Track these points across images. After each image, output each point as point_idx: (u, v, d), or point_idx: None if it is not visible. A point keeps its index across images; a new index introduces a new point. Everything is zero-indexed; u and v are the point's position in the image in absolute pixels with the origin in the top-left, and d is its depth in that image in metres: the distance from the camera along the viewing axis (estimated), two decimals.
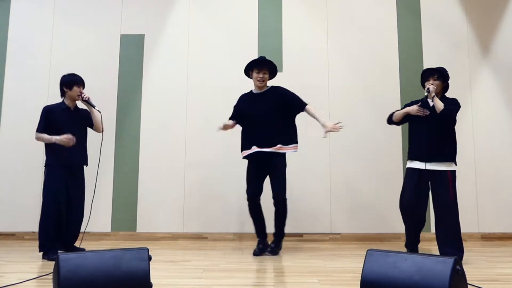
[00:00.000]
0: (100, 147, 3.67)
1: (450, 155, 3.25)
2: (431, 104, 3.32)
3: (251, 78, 3.79)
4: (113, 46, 4.76)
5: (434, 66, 3.44)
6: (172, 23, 4.80)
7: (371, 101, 4.64)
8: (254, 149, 3.55)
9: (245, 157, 3.67)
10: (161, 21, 4.80)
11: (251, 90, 3.84)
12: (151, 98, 4.69)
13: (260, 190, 3.61)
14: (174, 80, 4.72)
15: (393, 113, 3.48)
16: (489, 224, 4.47)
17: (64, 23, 4.81)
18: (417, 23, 4.76)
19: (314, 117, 3.58)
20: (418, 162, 3.28)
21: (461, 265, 1.87)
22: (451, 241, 3.16)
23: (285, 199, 3.58)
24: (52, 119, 3.41)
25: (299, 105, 3.66)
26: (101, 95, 4.64)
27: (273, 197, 3.57)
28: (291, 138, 3.63)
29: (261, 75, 3.67)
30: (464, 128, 4.60)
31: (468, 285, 2.22)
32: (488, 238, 4.43)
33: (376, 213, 4.48)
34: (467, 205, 4.49)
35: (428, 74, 3.38)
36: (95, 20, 4.81)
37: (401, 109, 3.49)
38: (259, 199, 3.62)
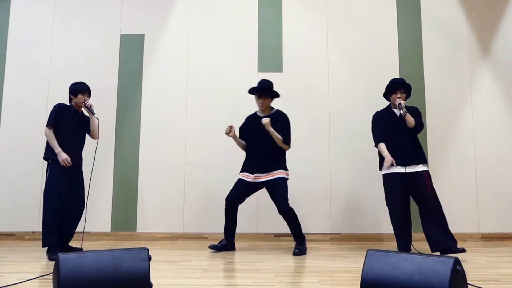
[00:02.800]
0: (95, 151, 3.68)
1: (423, 157, 3.51)
2: (398, 113, 3.57)
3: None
4: (113, 46, 4.76)
5: (400, 79, 3.61)
6: (172, 23, 4.80)
7: (371, 101, 4.64)
8: (255, 177, 3.69)
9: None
10: (161, 21, 4.80)
11: (256, 112, 3.91)
12: (151, 98, 4.69)
13: (241, 199, 3.71)
14: (174, 80, 4.72)
15: (378, 142, 3.62)
16: (489, 224, 4.47)
17: (64, 23, 4.81)
18: (417, 23, 4.76)
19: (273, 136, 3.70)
20: (398, 167, 3.50)
21: (461, 265, 1.87)
22: (441, 232, 3.31)
23: (290, 208, 3.59)
24: (64, 118, 3.52)
25: (284, 141, 3.73)
26: (101, 95, 4.65)
27: (278, 210, 3.61)
28: (285, 164, 3.77)
29: (261, 101, 3.78)
30: (464, 128, 4.60)
31: (468, 285, 2.22)
32: (488, 238, 4.43)
33: (376, 213, 4.49)
34: (467, 205, 4.50)
35: (395, 87, 3.57)
36: (95, 20, 4.81)
37: (374, 121, 3.69)
38: (237, 206, 3.73)
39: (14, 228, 4.49)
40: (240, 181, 3.76)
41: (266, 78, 3.87)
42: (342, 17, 4.79)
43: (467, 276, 1.99)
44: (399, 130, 3.54)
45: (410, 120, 3.45)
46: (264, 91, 3.75)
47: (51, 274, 2.68)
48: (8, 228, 4.49)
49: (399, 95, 3.53)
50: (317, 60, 4.72)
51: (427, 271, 1.84)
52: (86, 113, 3.75)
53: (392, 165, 3.46)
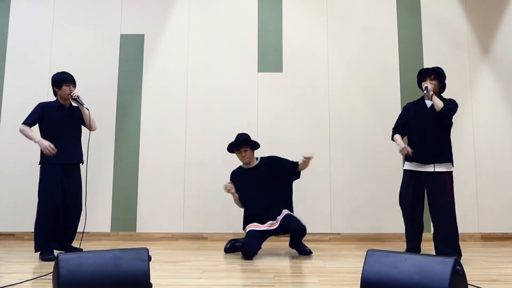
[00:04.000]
0: (87, 145, 3.63)
1: (447, 157, 3.26)
2: (428, 104, 3.34)
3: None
4: (113, 46, 4.76)
5: (432, 66, 3.46)
6: (172, 23, 4.80)
7: (371, 101, 4.64)
8: (269, 225, 3.54)
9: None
10: (161, 21, 4.80)
11: (241, 166, 3.79)
12: (151, 98, 4.69)
13: (260, 247, 3.48)
14: (174, 80, 4.72)
15: (394, 133, 3.52)
16: (489, 224, 4.47)
17: (64, 23, 4.80)
18: (417, 23, 4.76)
19: (305, 165, 3.67)
20: (416, 164, 3.33)
21: (461, 265, 1.87)
22: (447, 242, 3.18)
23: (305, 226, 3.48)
24: (46, 117, 3.40)
25: (292, 165, 3.69)
26: (101, 95, 4.64)
27: (296, 231, 3.44)
28: (290, 205, 3.73)
29: (242, 154, 3.68)
30: (464, 128, 4.60)
31: (468, 285, 2.22)
32: (488, 238, 4.43)
33: (376, 213, 4.48)
34: (467, 205, 4.49)
35: (425, 74, 3.38)
36: (95, 20, 4.80)
37: (401, 112, 3.61)
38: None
39: (14, 228, 4.49)
40: (253, 232, 3.49)
41: (241, 132, 3.81)
42: (342, 17, 4.79)
43: (467, 276, 1.99)
44: (424, 123, 3.31)
45: (438, 102, 3.18)
46: (240, 143, 3.64)
47: (51, 274, 2.68)
48: (8, 228, 4.49)
49: (428, 82, 3.32)
50: (317, 60, 4.72)
51: (427, 271, 1.84)
52: (75, 105, 3.61)
53: (407, 153, 3.24)
